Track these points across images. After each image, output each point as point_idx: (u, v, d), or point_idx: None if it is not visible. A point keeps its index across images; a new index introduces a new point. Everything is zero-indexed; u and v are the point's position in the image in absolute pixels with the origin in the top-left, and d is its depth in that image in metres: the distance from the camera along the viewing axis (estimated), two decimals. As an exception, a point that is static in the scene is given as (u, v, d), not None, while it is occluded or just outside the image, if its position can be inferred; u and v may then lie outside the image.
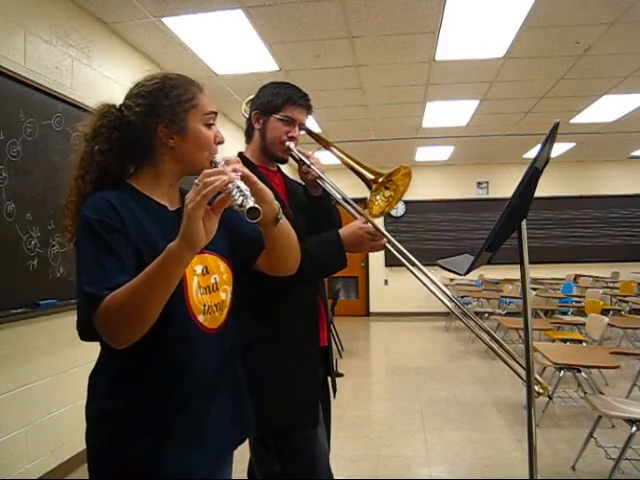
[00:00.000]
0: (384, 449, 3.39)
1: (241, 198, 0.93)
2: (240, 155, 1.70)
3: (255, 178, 1.08)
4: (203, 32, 3.60)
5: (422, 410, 4.12)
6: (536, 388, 1.33)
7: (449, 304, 1.58)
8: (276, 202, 1.12)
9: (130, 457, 1.04)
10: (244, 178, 1.03)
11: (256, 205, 0.92)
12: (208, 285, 1.13)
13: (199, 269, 1.11)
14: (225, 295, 1.17)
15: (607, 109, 5.72)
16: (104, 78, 3.39)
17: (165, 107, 1.10)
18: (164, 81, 1.13)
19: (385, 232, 1.56)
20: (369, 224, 1.55)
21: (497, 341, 1.46)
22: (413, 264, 1.54)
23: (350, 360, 5.97)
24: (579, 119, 6.13)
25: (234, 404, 1.19)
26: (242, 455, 1.63)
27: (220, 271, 1.17)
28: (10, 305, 2.50)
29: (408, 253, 1.54)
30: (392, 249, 1.56)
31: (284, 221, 1.16)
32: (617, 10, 3.37)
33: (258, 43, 3.81)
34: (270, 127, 1.61)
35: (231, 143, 5.68)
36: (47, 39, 2.87)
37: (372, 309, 9.59)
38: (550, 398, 1.44)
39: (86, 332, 0.99)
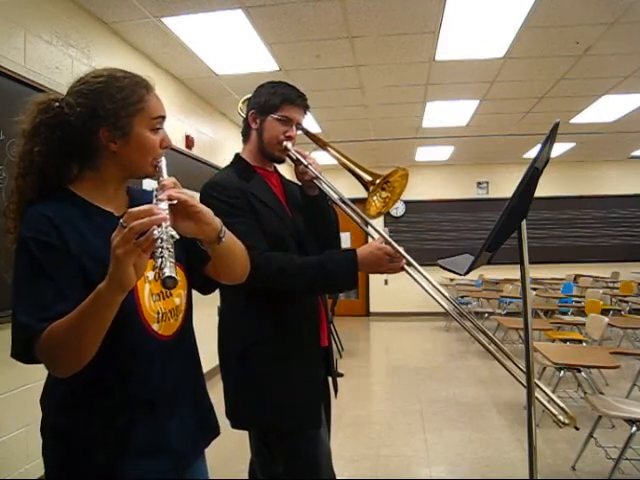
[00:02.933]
0: (384, 449, 3.39)
1: (160, 260, 0.85)
2: (237, 156, 1.70)
3: (193, 201, 1.01)
4: (203, 32, 3.60)
5: (422, 410, 4.11)
6: (561, 418, 1.27)
7: (446, 305, 1.58)
8: (218, 220, 1.06)
9: (88, 471, 1.01)
10: (181, 204, 0.97)
11: (172, 274, 0.84)
12: (161, 291, 1.08)
13: (151, 275, 1.05)
14: (179, 300, 1.14)
15: (607, 109, 5.72)
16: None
17: (108, 110, 1.03)
18: (109, 81, 1.05)
19: (404, 252, 1.53)
20: (387, 245, 1.53)
21: (494, 342, 1.46)
22: (409, 264, 1.54)
23: (350, 360, 5.97)
24: (579, 119, 6.12)
25: (196, 409, 1.16)
26: (242, 455, 1.64)
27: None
28: (9, 305, 2.49)
29: (407, 255, 1.54)
30: (413, 273, 1.53)
31: (228, 237, 1.10)
32: (617, 10, 3.37)
33: (258, 43, 3.81)
34: (267, 127, 1.61)
35: (231, 143, 5.68)
36: (47, 39, 2.87)
37: (372, 309, 9.59)
38: (577, 429, 1.44)
39: (24, 358, 0.96)
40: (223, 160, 1.68)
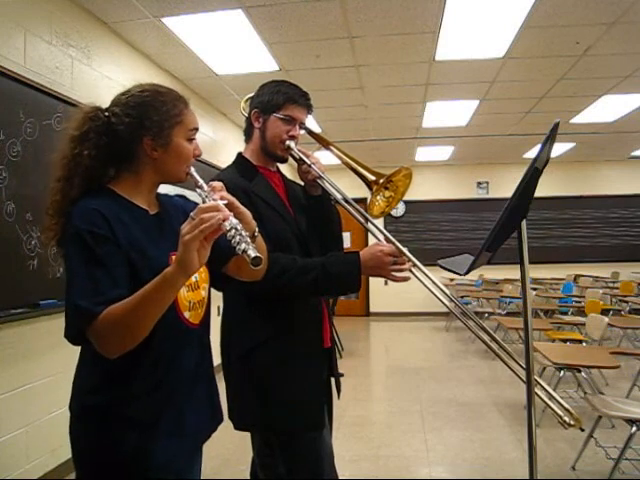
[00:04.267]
0: (384, 449, 3.39)
1: (243, 245, 0.98)
2: (239, 155, 1.70)
3: (237, 203, 1.12)
4: (203, 32, 3.60)
5: (422, 410, 4.11)
6: (566, 419, 1.25)
7: (448, 304, 1.58)
8: (254, 221, 1.17)
9: (120, 452, 1.07)
10: (229, 205, 1.07)
11: (258, 254, 0.97)
12: (191, 283, 1.18)
13: None
14: (204, 292, 1.24)
15: (607, 109, 5.72)
16: (104, 78, 3.39)
17: (154, 122, 1.14)
18: (154, 95, 1.17)
19: (407, 253, 1.48)
20: (391, 245, 1.49)
21: (497, 341, 1.45)
22: (413, 264, 1.54)
23: (350, 360, 5.97)
24: (579, 119, 6.13)
25: (208, 395, 1.25)
26: (243, 455, 1.64)
27: (199, 270, 1.19)
28: (10, 305, 2.50)
29: (411, 255, 1.53)
30: (415, 272, 1.49)
31: (259, 238, 1.20)
32: (617, 10, 3.37)
33: (258, 43, 3.81)
34: (270, 126, 1.61)
35: (231, 143, 5.69)
36: (47, 39, 2.87)
37: (372, 309, 9.59)
38: (582, 430, 1.43)
39: (76, 340, 1.05)
40: (223, 160, 1.69)
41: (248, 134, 1.68)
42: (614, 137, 7.07)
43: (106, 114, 1.17)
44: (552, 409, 1.29)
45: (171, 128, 1.16)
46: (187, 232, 0.97)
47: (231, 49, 3.95)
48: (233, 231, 1.00)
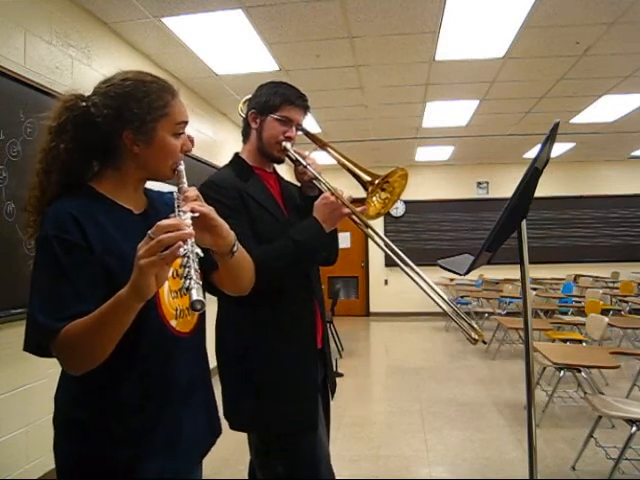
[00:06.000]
0: (384, 449, 3.39)
1: (188, 282, 0.86)
2: (236, 155, 1.70)
3: (214, 214, 1.04)
4: (203, 32, 3.60)
5: (422, 410, 4.11)
6: (472, 334, 1.32)
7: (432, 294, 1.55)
8: (232, 235, 1.10)
9: (108, 470, 1.01)
10: (201, 218, 1.00)
11: (200, 298, 0.85)
12: (180, 288, 1.10)
13: (170, 272, 1.05)
14: None
15: (607, 109, 5.72)
16: (104, 78, 3.39)
17: (134, 114, 1.05)
18: (137, 84, 1.07)
19: (344, 199, 1.54)
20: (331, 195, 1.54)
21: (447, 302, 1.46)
22: (401, 259, 1.52)
23: (350, 360, 5.97)
24: (579, 119, 6.12)
25: (206, 408, 1.18)
26: (242, 455, 1.64)
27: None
28: (10, 305, 2.50)
29: (396, 248, 1.52)
30: (355, 218, 1.55)
31: (239, 252, 1.14)
32: (617, 10, 3.37)
33: (258, 43, 3.81)
34: (267, 127, 1.61)
35: (231, 143, 5.69)
36: (47, 39, 2.87)
37: (372, 309, 9.59)
38: (485, 342, 1.52)
39: (39, 354, 0.99)
40: (223, 160, 1.69)
41: (245, 135, 1.69)
42: (614, 137, 7.07)
43: (85, 104, 1.08)
44: (460, 325, 1.35)
45: (155, 121, 1.06)
46: (143, 255, 0.86)
47: (231, 49, 3.95)
48: (185, 259, 0.88)
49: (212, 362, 1.59)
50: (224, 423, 1.54)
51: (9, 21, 2.60)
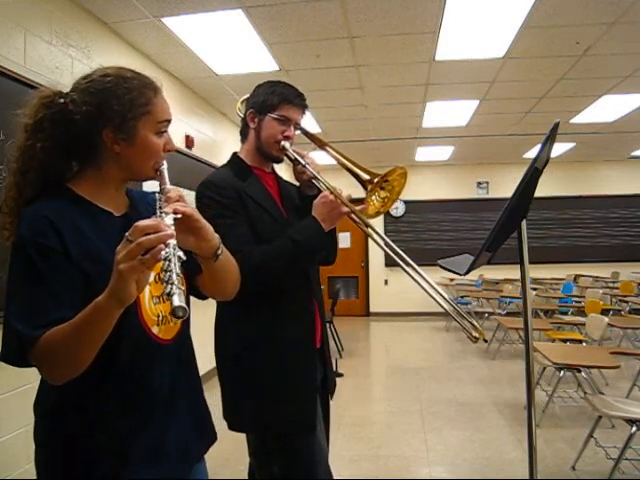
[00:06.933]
0: (384, 449, 3.39)
1: (169, 287, 0.82)
2: (234, 155, 1.70)
3: (198, 215, 1.00)
4: (203, 32, 3.60)
5: (422, 410, 4.11)
6: (472, 333, 1.34)
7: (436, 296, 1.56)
8: (217, 237, 1.06)
9: None
10: (185, 219, 0.97)
11: (181, 304, 0.80)
12: (161, 293, 1.03)
13: (151, 277, 1.01)
14: None
15: (607, 109, 5.72)
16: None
17: (115, 111, 1.00)
18: (117, 81, 1.02)
19: (343, 198, 1.53)
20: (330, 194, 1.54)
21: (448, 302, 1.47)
22: (401, 258, 1.53)
23: (350, 360, 5.97)
24: (579, 119, 6.12)
25: (193, 415, 1.14)
26: (242, 455, 1.63)
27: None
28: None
29: (396, 247, 1.53)
30: (355, 217, 1.54)
31: (224, 255, 1.09)
32: (617, 10, 3.37)
33: (258, 43, 3.81)
34: (265, 126, 1.61)
35: (231, 143, 5.67)
36: (47, 39, 2.87)
37: (372, 309, 9.59)
38: (485, 341, 1.54)
39: (17, 364, 0.93)
40: (223, 160, 1.69)
41: (244, 134, 1.69)
42: (614, 137, 7.07)
43: (63, 100, 1.03)
44: (460, 323, 1.37)
45: (136, 119, 1.02)
46: (123, 260, 0.82)
47: (231, 49, 3.95)
48: (166, 263, 0.84)
49: (212, 362, 1.60)
50: (224, 424, 1.55)
51: (9, 21, 2.60)
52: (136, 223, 0.85)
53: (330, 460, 1.66)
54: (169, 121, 1.09)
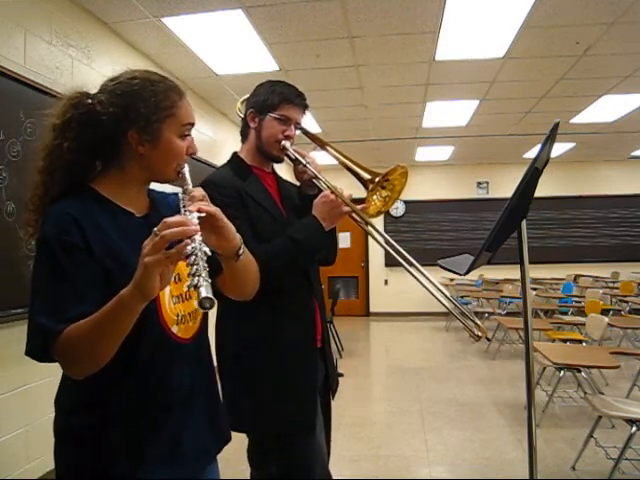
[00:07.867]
0: (384, 449, 3.39)
1: (197, 279, 0.84)
2: (234, 155, 1.70)
3: (221, 215, 1.03)
4: (203, 32, 3.60)
5: (422, 410, 4.11)
6: (475, 331, 1.34)
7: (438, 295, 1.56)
8: (239, 237, 1.08)
9: (109, 478, 0.99)
10: (208, 218, 0.98)
11: (209, 296, 0.82)
12: (181, 293, 1.08)
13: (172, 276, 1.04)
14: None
15: (607, 109, 5.72)
16: (104, 78, 3.36)
17: (140, 113, 1.03)
18: (144, 84, 1.05)
19: (344, 197, 1.53)
20: (330, 193, 1.54)
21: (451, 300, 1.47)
22: (402, 256, 1.53)
23: (350, 360, 5.97)
24: (579, 119, 6.12)
25: (210, 415, 1.15)
26: (242, 455, 1.63)
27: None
28: (10, 305, 2.50)
29: (399, 247, 1.53)
30: (355, 216, 1.54)
31: (245, 255, 1.11)
32: (617, 10, 3.37)
33: (258, 43, 3.81)
34: (266, 126, 1.61)
35: (231, 143, 5.67)
36: (47, 39, 2.87)
37: (372, 309, 9.59)
38: (488, 339, 1.57)
39: (41, 359, 0.95)
40: (223, 160, 1.69)
41: (244, 134, 1.68)
42: (614, 137, 7.07)
43: (90, 101, 1.06)
44: (462, 321, 1.38)
45: (161, 122, 1.05)
46: (149, 253, 0.84)
47: (231, 49, 3.95)
48: (193, 258, 0.86)
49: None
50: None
51: (9, 21, 2.60)
52: (165, 219, 0.87)
53: (330, 460, 1.66)
54: (193, 124, 1.12)
